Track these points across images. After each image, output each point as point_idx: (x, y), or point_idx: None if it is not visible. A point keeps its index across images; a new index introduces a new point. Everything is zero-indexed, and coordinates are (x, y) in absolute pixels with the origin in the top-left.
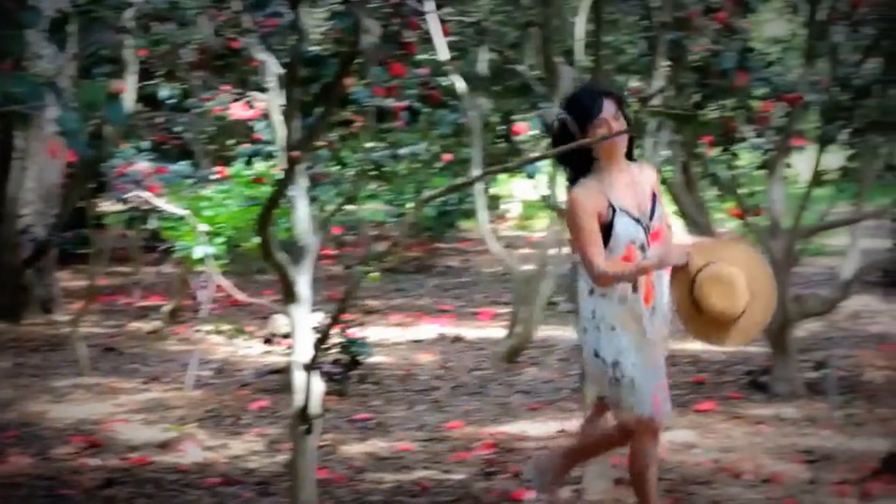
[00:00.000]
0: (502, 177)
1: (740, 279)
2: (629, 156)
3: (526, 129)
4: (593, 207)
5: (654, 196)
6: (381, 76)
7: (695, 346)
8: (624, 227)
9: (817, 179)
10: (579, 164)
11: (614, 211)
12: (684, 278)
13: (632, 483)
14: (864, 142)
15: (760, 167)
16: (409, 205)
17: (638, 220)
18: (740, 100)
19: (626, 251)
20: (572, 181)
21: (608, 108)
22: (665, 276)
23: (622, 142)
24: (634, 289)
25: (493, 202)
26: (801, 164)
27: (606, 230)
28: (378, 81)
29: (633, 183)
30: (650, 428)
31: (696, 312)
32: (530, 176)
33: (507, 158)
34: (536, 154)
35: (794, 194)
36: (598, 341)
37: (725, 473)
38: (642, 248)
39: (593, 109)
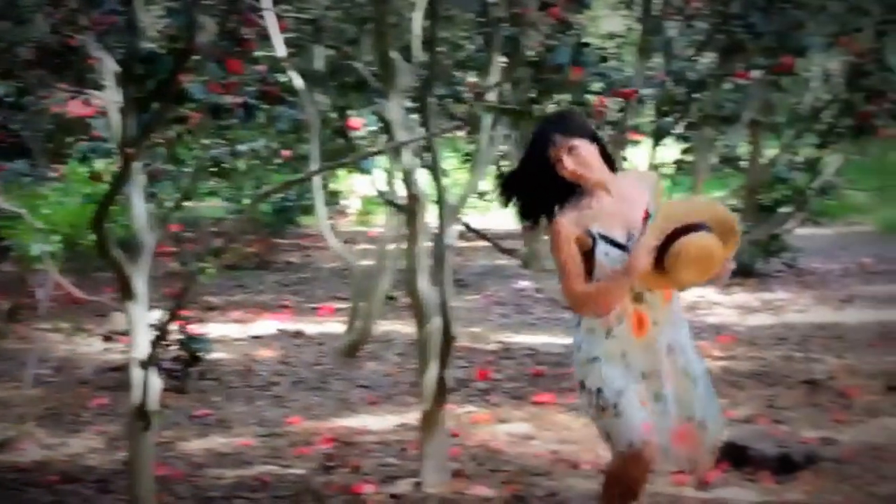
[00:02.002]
0: (342, 173)
1: (715, 249)
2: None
3: (361, 124)
4: (572, 234)
5: (647, 214)
6: (218, 73)
7: (533, 339)
8: (605, 256)
9: None
10: (553, 197)
11: (594, 239)
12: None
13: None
14: (699, 135)
15: None
16: (248, 201)
17: (624, 247)
18: (576, 95)
19: None
20: (548, 215)
21: (559, 142)
22: (669, 306)
23: (592, 163)
24: (619, 320)
25: (333, 198)
26: (637, 157)
27: (589, 259)
28: (214, 78)
29: (623, 203)
30: (638, 460)
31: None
32: (366, 171)
33: (345, 154)
34: (372, 149)
35: None
36: (584, 373)
37: (564, 464)
38: None
39: (543, 148)
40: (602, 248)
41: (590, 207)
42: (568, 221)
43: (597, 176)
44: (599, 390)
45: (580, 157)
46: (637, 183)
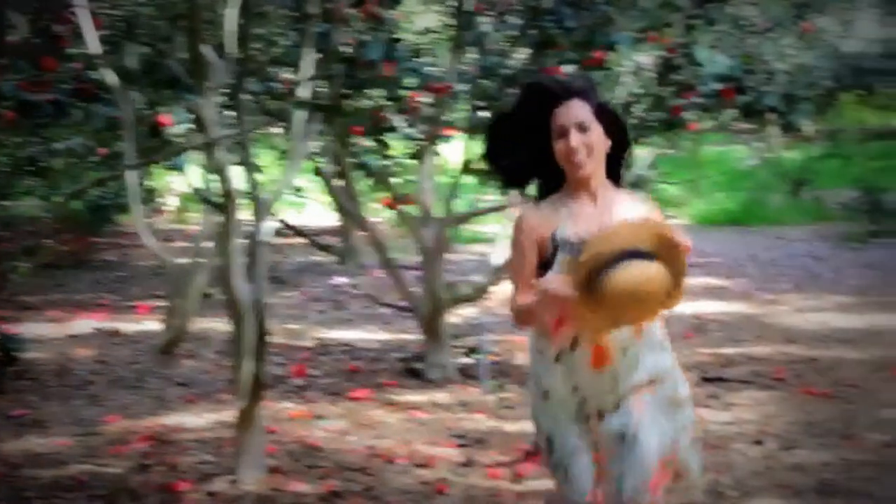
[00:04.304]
0: (159, 170)
1: (653, 277)
2: (616, 180)
3: (172, 121)
4: (535, 234)
5: None
6: (30, 70)
7: (349, 334)
8: (563, 263)
9: (466, 168)
10: (550, 178)
11: (556, 246)
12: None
13: None
14: None
15: (411, 156)
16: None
17: None
18: (389, 90)
19: None
20: (540, 196)
21: (575, 111)
22: (644, 333)
23: (592, 161)
24: (573, 346)
25: (150, 196)
26: (451, 152)
27: (547, 266)
28: (26, 76)
29: (604, 214)
30: None
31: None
32: (179, 169)
33: (160, 152)
34: (185, 146)
35: (445, 183)
36: (537, 410)
37: (380, 459)
38: None
39: (548, 106)
40: (561, 257)
41: (567, 208)
42: (534, 218)
43: (589, 171)
44: (550, 440)
45: (589, 141)
46: (630, 202)
